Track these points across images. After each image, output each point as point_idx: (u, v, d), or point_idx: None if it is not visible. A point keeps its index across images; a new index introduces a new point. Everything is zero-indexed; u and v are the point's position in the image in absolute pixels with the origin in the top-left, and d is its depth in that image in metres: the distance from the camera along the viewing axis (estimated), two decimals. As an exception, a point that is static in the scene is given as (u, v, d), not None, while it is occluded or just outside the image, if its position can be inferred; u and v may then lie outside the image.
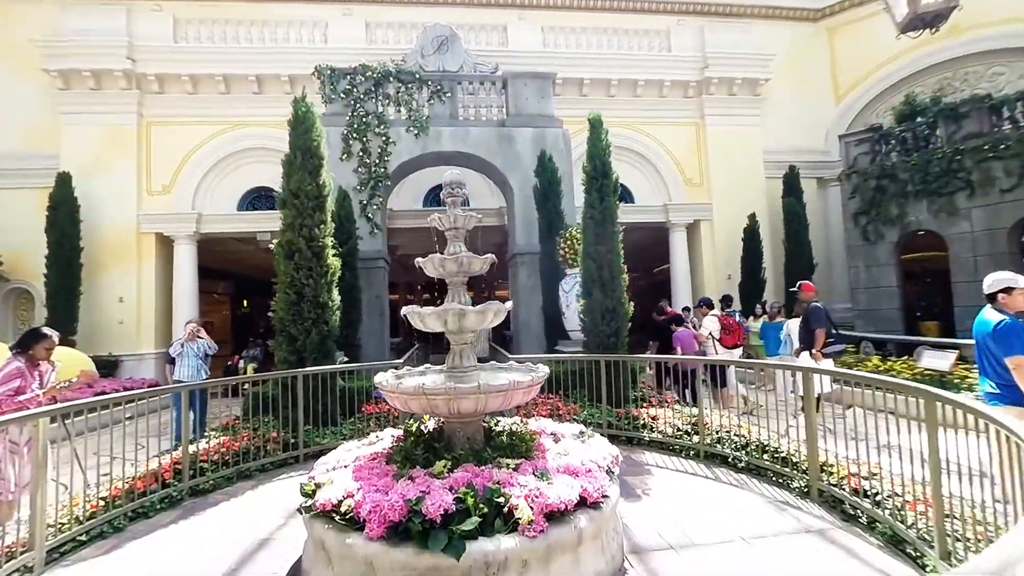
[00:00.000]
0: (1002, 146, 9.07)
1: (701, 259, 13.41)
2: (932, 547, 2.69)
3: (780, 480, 4.15)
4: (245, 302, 20.98)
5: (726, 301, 8.94)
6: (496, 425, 3.58)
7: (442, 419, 3.36)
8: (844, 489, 3.55)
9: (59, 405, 3.68)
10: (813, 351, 6.25)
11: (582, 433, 3.54)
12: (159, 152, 11.68)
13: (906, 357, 7.90)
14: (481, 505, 2.42)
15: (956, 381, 6.42)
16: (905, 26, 8.72)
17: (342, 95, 9.78)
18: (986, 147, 9.25)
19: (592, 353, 6.40)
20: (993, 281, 3.73)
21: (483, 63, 10.96)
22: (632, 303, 6.63)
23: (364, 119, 9.68)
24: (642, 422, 5.57)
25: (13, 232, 10.87)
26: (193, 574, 3.08)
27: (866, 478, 3.45)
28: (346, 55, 11.13)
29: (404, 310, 3.30)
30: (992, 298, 3.74)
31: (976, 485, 2.69)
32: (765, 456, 4.37)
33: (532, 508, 2.43)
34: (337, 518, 2.52)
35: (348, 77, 9.85)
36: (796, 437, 4.23)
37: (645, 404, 6.09)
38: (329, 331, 6.13)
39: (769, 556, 3.02)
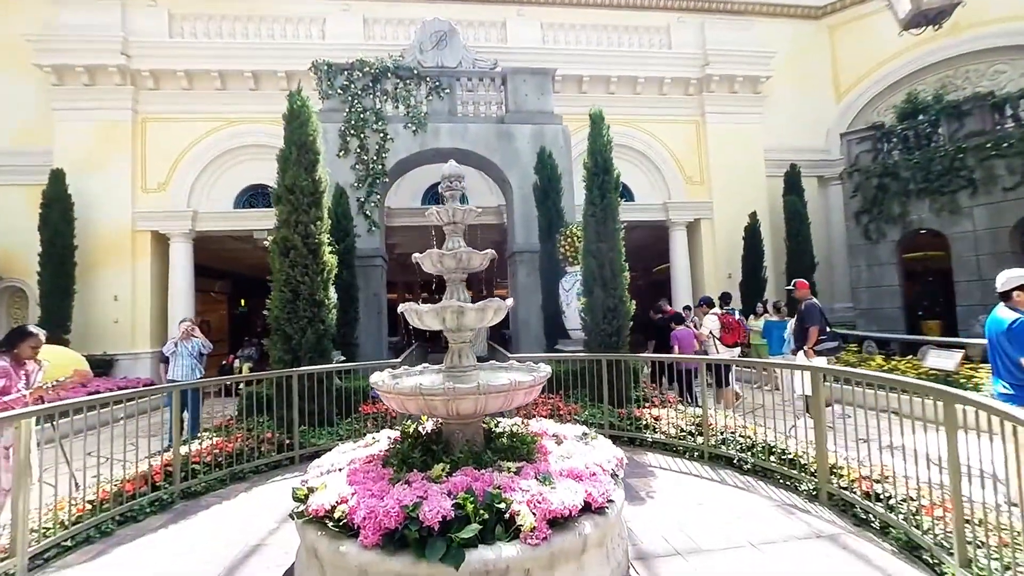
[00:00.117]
0: (1005, 144, 9.00)
1: (701, 258, 13.32)
2: (951, 554, 2.59)
3: (788, 483, 4.04)
4: (243, 301, 20.82)
5: (724, 299, 8.86)
6: (496, 426, 3.48)
7: (440, 420, 3.25)
8: (855, 492, 3.44)
9: (45, 406, 3.56)
10: (805, 348, 6.22)
11: (585, 435, 3.44)
12: (154, 149, 11.54)
13: (910, 357, 7.81)
14: (481, 511, 2.31)
15: (962, 381, 6.32)
16: (908, 23, 8.65)
17: (339, 91, 9.65)
18: (989, 145, 9.18)
19: (593, 352, 6.29)
20: (1007, 278, 3.63)
21: (482, 59, 10.84)
22: (634, 302, 6.53)
23: (362, 115, 9.55)
24: (644, 423, 5.47)
25: (6, 230, 10.75)
26: (182, 581, 2.98)
27: (877, 481, 3.35)
28: (344, 51, 10.99)
29: (401, 307, 3.19)
30: (1006, 296, 3.64)
31: (992, 489, 2.59)
32: (772, 458, 4.26)
33: (535, 514, 2.32)
34: (330, 524, 2.40)
35: (345, 73, 9.71)
36: (801, 438, 4.13)
37: (647, 404, 5.98)
38: (325, 330, 6.01)
39: (779, 562, 2.91)
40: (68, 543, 3.38)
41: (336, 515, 2.40)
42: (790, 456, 4.13)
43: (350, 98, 9.60)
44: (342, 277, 7.65)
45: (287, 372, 5.44)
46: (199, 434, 5.61)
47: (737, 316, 8.23)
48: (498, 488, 2.44)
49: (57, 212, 10.14)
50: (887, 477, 3.36)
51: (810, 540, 3.17)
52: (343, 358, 7.27)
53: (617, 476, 2.95)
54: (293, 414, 5.28)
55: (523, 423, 3.62)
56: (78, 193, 10.41)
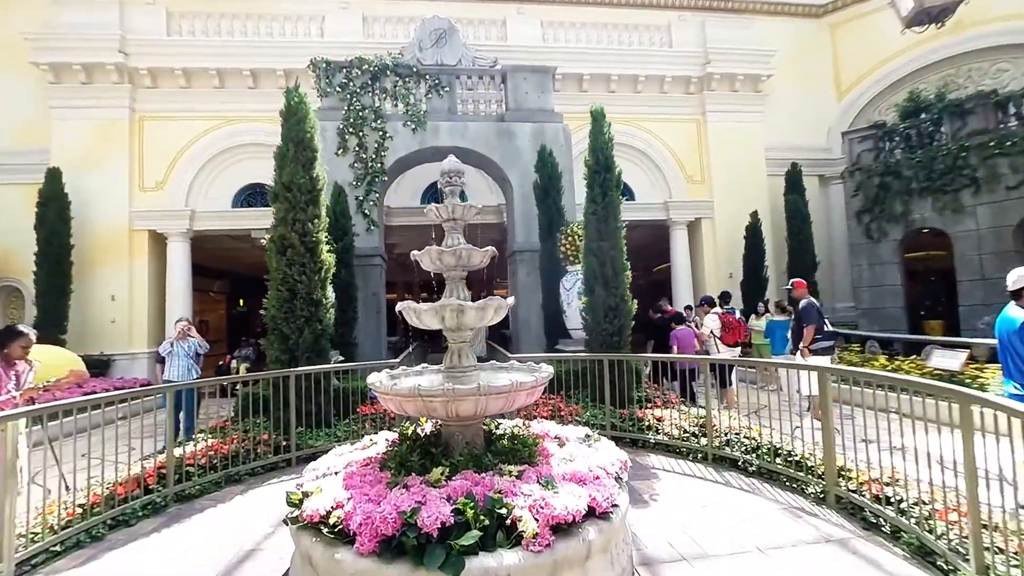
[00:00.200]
0: (1008, 143, 8.95)
1: (702, 257, 13.25)
2: (967, 560, 2.51)
3: (794, 485, 3.97)
4: (241, 301, 20.71)
5: (724, 298, 8.79)
6: (497, 428, 3.39)
7: (440, 422, 3.16)
8: (864, 495, 3.36)
9: (35, 407, 3.48)
10: (800, 346, 6.17)
11: (588, 436, 3.35)
12: (152, 147, 11.46)
13: (914, 357, 7.74)
14: (482, 517, 2.22)
15: (968, 381, 6.24)
16: (910, 21, 8.55)
17: (338, 89, 9.56)
18: (992, 144, 9.13)
19: (595, 352, 6.21)
20: (1018, 277, 3.56)
21: (482, 57, 10.76)
22: (635, 301, 6.46)
23: (360, 113, 9.47)
24: (647, 423, 5.40)
25: (3, 229, 10.67)
26: (173, 588, 2.90)
27: (887, 484, 3.27)
28: (343, 49, 10.89)
29: (399, 306, 3.11)
30: (1017, 295, 3.58)
31: (1007, 493, 2.50)
32: (778, 460, 4.18)
33: (537, 520, 2.23)
34: (325, 530, 2.32)
35: (344, 70, 9.62)
36: (807, 439, 4.05)
37: (650, 405, 5.90)
38: (323, 329, 5.93)
39: (787, 568, 2.83)
40: (57, 548, 3.30)
41: (331, 521, 2.31)
42: (796, 458, 4.05)
43: (349, 96, 9.51)
44: (340, 276, 7.57)
45: (284, 372, 5.36)
46: (194, 436, 5.52)
47: (737, 315, 8.17)
48: (499, 493, 2.35)
49: (53, 211, 10.06)
50: (897, 480, 3.28)
51: (819, 545, 3.09)
52: (341, 358, 7.18)
53: (621, 479, 2.87)
54: (290, 415, 5.19)
55: (524, 425, 3.54)
56: (75, 192, 10.32)
